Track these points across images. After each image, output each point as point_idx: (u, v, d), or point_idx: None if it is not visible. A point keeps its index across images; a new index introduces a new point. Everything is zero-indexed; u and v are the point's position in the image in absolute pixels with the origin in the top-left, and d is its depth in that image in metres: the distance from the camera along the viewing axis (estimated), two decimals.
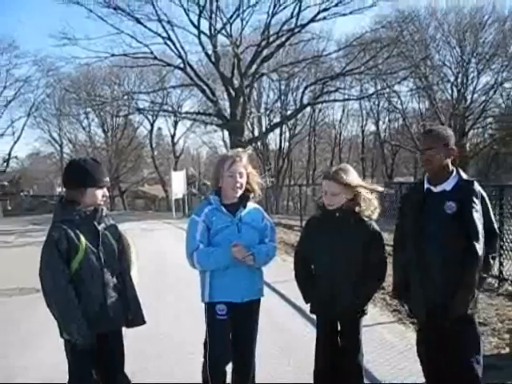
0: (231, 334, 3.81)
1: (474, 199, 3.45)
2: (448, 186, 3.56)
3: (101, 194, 3.37)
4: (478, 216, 3.43)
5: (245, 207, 3.82)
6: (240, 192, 3.80)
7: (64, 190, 3.45)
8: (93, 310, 3.27)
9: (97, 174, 3.36)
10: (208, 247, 3.71)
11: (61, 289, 3.15)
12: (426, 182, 3.67)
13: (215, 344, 3.73)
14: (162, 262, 10.58)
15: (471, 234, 3.39)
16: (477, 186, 3.54)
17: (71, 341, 3.21)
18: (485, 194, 3.61)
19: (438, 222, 3.50)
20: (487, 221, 3.53)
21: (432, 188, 3.61)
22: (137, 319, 3.51)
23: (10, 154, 47.76)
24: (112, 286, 3.40)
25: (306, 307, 4.03)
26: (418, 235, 3.58)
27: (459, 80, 37.89)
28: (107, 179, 3.54)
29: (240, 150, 3.94)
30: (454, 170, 3.60)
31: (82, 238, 3.25)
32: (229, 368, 3.83)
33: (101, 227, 3.39)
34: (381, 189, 3.95)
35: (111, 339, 3.43)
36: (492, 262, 3.62)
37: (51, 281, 3.15)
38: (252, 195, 3.89)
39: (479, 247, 3.38)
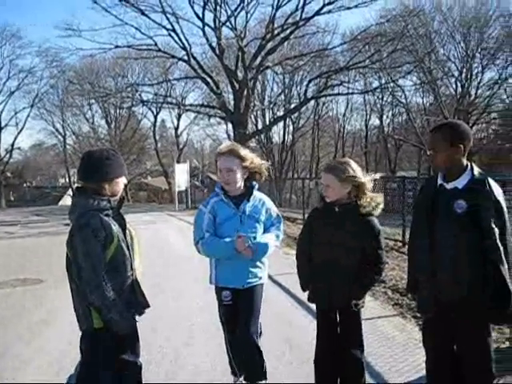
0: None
1: (485, 200, 3.28)
2: (460, 183, 3.38)
3: (122, 183, 3.42)
4: (487, 216, 3.25)
5: (249, 200, 3.95)
6: (233, 187, 3.92)
7: (78, 181, 3.40)
8: (125, 296, 3.32)
9: (119, 166, 3.37)
10: (213, 237, 3.87)
11: (101, 277, 3.15)
12: (439, 177, 3.52)
13: (228, 324, 4.00)
14: (166, 254, 10.60)
15: (484, 233, 3.25)
16: (493, 186, 3.34)
17: (111, 328, 3.19)
18: (500, 194, 3.36)
19: (447, 220, 3.37)
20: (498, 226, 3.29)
21: (445, 184, 3.46)
22: (145, 303, 3.53)
23: (13, 145, 47.87)
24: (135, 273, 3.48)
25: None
26: (427, 232, 3.46)
27: (463, 75, 37.71)
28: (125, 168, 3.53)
29: (230, 143, 4.07)
30: (469, 166, 3.42)
31: (115, 227, 3.28)
32: None
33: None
34: (377, 176, 3.99)
35: None
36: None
37: (92, 271, 3.13)
38: (258, 179, 4.03)
39: (491, 244, 3.24)
